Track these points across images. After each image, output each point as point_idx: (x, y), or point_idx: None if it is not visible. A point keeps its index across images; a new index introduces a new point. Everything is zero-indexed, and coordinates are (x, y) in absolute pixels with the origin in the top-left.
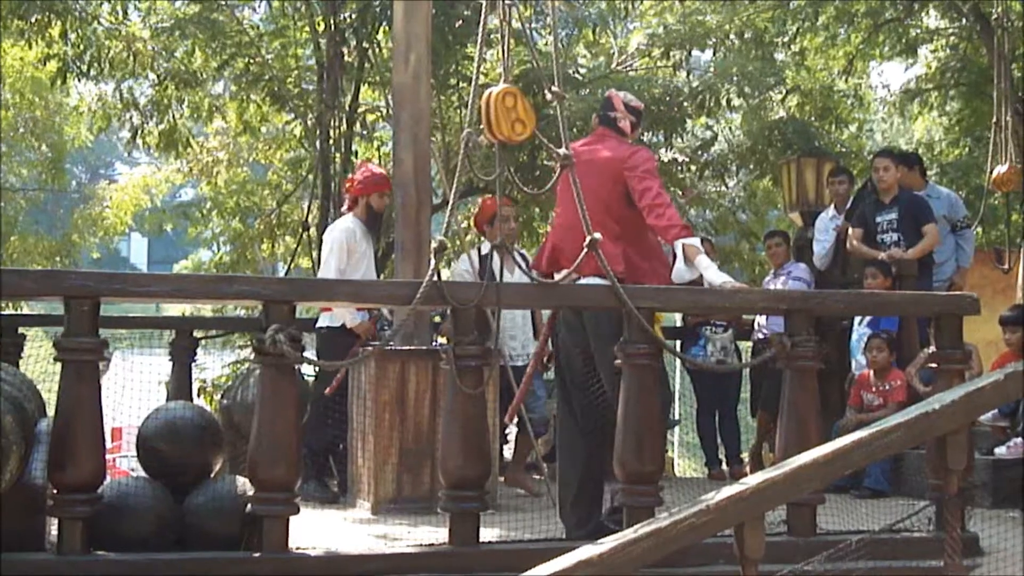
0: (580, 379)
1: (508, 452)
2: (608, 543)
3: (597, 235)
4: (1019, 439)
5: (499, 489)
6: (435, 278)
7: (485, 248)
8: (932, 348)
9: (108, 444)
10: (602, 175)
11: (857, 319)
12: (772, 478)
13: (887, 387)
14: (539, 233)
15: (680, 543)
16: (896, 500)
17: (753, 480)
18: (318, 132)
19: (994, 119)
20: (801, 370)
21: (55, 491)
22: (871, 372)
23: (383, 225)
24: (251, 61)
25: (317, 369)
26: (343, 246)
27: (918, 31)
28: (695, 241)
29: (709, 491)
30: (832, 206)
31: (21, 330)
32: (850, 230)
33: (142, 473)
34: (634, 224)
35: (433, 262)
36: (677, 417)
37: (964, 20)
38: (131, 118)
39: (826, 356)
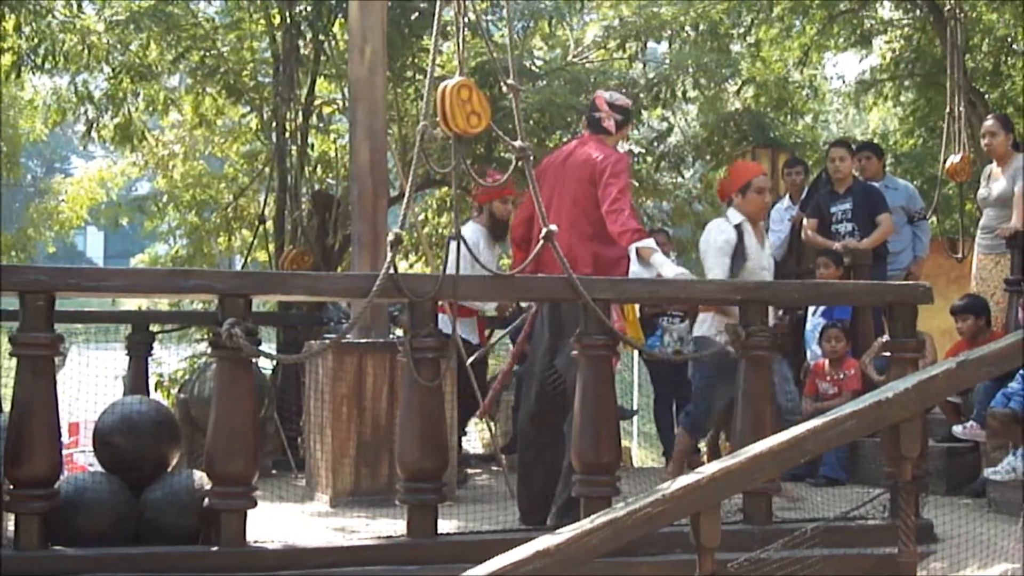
0: (540, 371)
1: (467, 445)
2: (565, 533)
3: (553, 227)
4: (973, 422)
5: (457, 480)
6: (391, 271)
7: (735, 218)
8: (886, 337)
9: (65, 439)
10: (579, 177)
11: (812, 309)
12: (728, 467)
13: (842, 376)
14: None
15: (637, 532)
16: (851, 488)
17: (709, 469)
18: (274, 125)
19: (947, 109)
20: (756, 359)
21: (11, 486)
22: (826, 361)
23: (343, 218)
24: (206, 54)
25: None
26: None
27: (872, 22)
28: (648, 243)
29: (666, 481)
30: (787, 196)
31: None
32: (805, 220)
33: (99, 468)
34: (606, 226)
35: (390, 255)
36: (635, 407)
37: (918, 11)
38: (86, 112)
39: (781, 345)
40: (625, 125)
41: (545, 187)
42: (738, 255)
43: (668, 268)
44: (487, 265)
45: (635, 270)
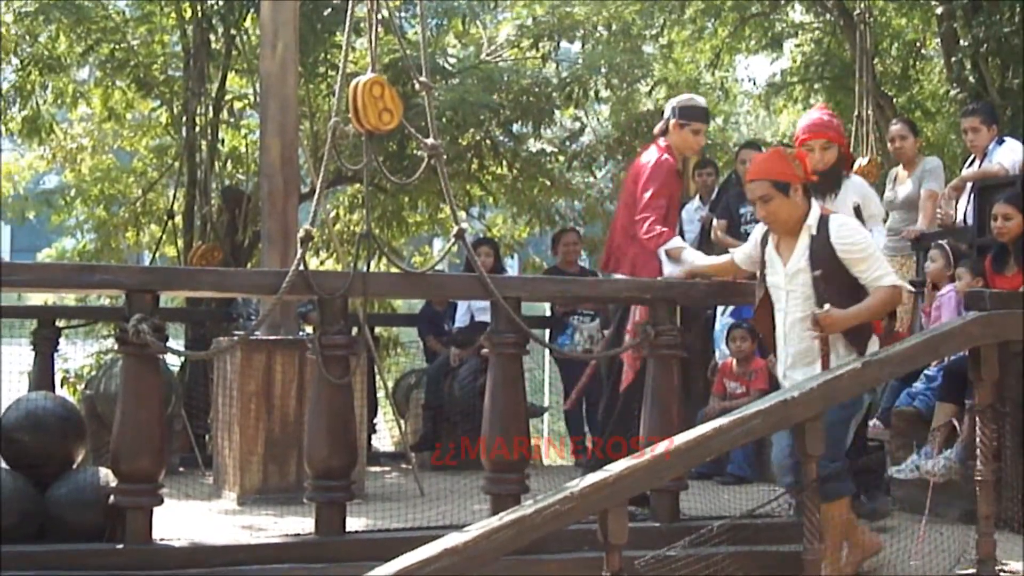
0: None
1: (376, 442)
2: (473, 531)
3: (464, 226)
4: (878, 421)
5: (366, 478)
6: (302, 267)
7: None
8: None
9: None
10: (630, 180)
11: (720, 308)
12: (635, 465)
13: (749, 375)
14: (408, 223)
15: (545, 530)
16: (758, 486)
17: (616, 467)
18: (184, 119)
19: (856, 113)
20: (664, 358)
21: None
22: (734, 361)
23: (253, 214)
24: (116, 47)
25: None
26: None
27: (783, 25)
28: (675, 243)
29: (575, 479)
30: (697, 197)
31: None
32: (714, 221)
33: (3, 464)
34: None
35: (300, 251)
36: (547, 405)
37: (828, 15)
38: None
39: (689, 345)
40: (667, 127)
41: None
42: None
43: (700, 259)
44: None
45: (668, 271)
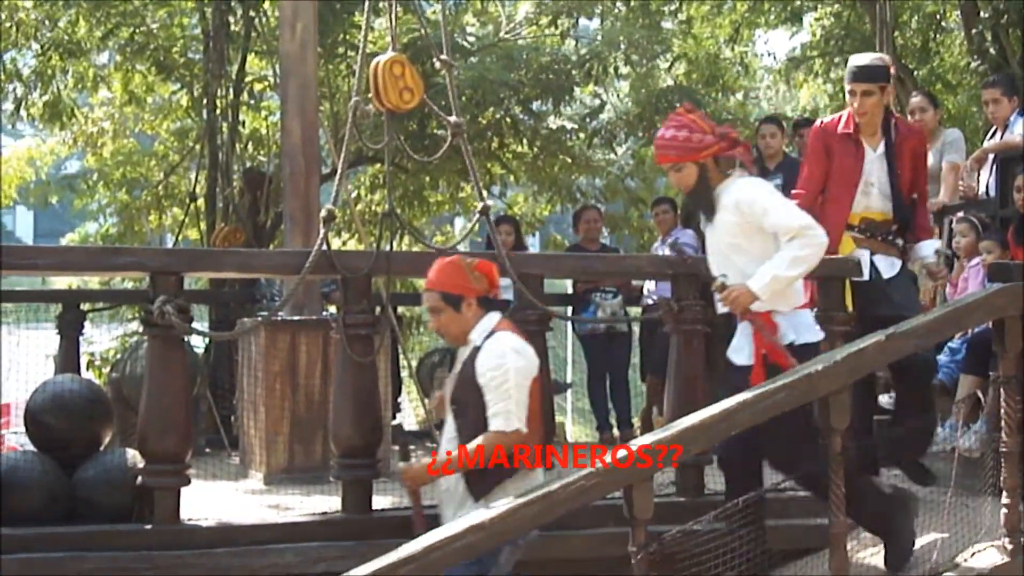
0: None
1: (401, 421)
2: (499, 507)
3: (489, 202)
4: None
5: (391, 457)
6: (324, 247)
7: None
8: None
9: None
10: None
11: None
12: (660, 440)
13: None
14: (429, 202)
15: (570, 506)
16: None
17: (641, 442)
18: (205, 102)
19: None
20: (688, 333)
21: None
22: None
23: (275, 196)
24: (136, 30)
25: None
26: None
27: None
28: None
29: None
30: None
31: None
32: None
33: (31, 447)
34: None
35: (323, 231)
36: (569, 381)
37: None
38: (14, 89)
39: (712, 319)
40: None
41: None
42: None
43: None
44: None
45: None
